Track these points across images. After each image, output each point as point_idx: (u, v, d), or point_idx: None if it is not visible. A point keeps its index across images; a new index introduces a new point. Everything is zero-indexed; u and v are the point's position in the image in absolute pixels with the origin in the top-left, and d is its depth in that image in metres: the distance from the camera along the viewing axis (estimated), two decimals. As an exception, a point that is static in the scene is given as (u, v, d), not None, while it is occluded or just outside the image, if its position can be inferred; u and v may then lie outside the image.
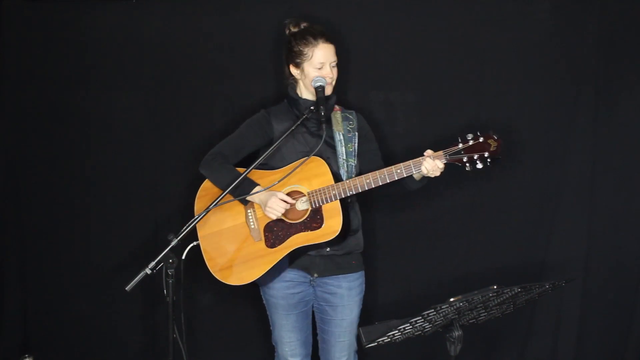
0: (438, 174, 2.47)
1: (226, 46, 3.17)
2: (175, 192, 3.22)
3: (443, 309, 2.09)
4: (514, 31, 3.08)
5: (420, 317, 2.10)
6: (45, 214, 3.29)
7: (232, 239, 2.65)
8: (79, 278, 3.30)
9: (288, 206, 2.53)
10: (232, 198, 2.56)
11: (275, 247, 2.58)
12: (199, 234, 2.67)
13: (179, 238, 2.38)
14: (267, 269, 2.60)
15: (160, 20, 3.17)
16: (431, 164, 2.44)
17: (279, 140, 2.53)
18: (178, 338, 2.46)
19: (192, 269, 2.64)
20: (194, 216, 2.62)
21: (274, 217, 2.54)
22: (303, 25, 2.64)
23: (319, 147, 2.50)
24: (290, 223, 2.57)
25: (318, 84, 2.55)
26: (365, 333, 2.29)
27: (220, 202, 2.49)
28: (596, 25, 3.02)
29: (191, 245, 2.61)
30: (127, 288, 2.35)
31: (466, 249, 3.19)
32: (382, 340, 2.22)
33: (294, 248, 2.57)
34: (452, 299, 2.07)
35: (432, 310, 2.07)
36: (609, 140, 3.08)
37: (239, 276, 2.63)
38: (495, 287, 2.08)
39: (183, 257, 2.53)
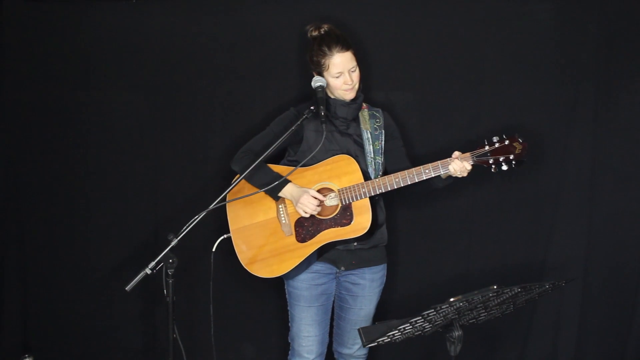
0: (465, 174, 2.55)
1: (227, 46, 3.17)
2: (175, 192, 3.22)
3: (443, 309, 2.09)
4: (514, 31, 3.08)
5: (420, 317, 2.10)
6: (45, 214, 3.29)
7: (263, 233, 2.72)
8: (79, 278, 3.30)
9: (319, 204, 2.60)
10: (255, 191, 2.65)
11: (306, 241, 2.66)
12: (231, 228, 2.75)
13: (179, 238, 2.38)
14: (298, 263, 2.67)
15: (160, 20, 3.17)
16: (459, 165, 2.51)
17: (280, 139, 2.57)
18: (178, 338, 2.46)
19: (189, 268, 2.64)
20: (194, 215, 2.63)
21: (306, 215, 2.62)
22: (323, 30, 2.66)
23: (318, 148, 2.54)
24: (321, 219, 2.64)
25: (318, 84, 2.60)
26: (365, 333, 2.28)
27: (217, 204, 2.50)
28: (596, 25, 3.02)
29: (222, 237, 2.72)
30: (127, 288, 2.35)
31: (466, 249, 3.20)
32: (382, 340, 2.22)
33: (324, 243, 2.64)
34: (452, 299, 2.07)
35: (432, 310, 2.07)
36: (609, 140, 3.08)
37: (270, 269, 2.70)
38: (495, 287, 2.08)
39: (214, 249, 2.67)
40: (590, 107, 3.07)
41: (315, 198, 2.59)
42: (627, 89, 3.05)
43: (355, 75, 2.64)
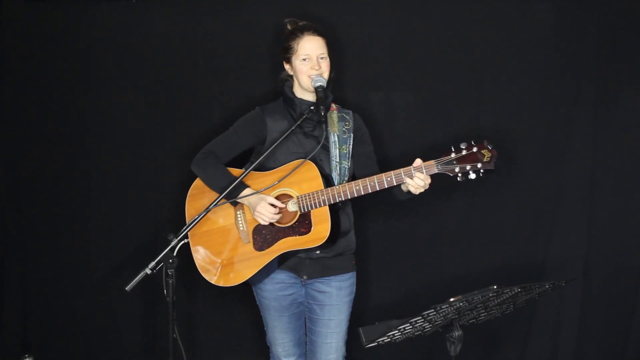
0: (422, 190, 2.42)
1: (226, 46, 3.17)
2: (175, 192, 3.20)
3: (443, 309, 2.09)
4: (514, 31, 3.08)
5: (420, 317, 2.10)
6: (45, 215, 3.29)
7: (221, 240, 2.63)
8: (79, 278, 3.31)
9: (277, 211, 2.50)
10: (223, 199, 2.53)
11: (264, 250, 2.56)
12: (189, 234, 2.62)
13: (179, 238, 2.38)
14: (255, 272, 2.58)
15: (160, 20, 3.17)
16: (417, 181, 2.37)
17: (276, 143, 2.49)
18: (178, 338, 2.45)
19: (188, 268, 2.64)
20: (185, 215, 2.62)
21: (264, 223, 2.53)
22: (301, 23, 2.61)
23: (318, 148, 2.47)
24: (279, 227, 2.54)
25: (318, 84, 2.51)
26: (365, 333, 2.29)
27: (219, 203, 2.47)
28: (596, 25, 3.02)
29: (181, 243, 2.52)
30: (127, 288, 2.35)
31: (466, 249, 3.19)
32: (382, 340, 2.22)
33: (282, 252, 2.55)
34: (452, 299, 2.07)
35: (432, 310, 2.07)
36: (609, 140, 3.08)
37: (226, 278, 2.61)
38: (495, 287, 2.08)
39: (174, 253, 2.48)
40: (590, 107, 3.07)
41: (273, 205, 2.49)
42: (627, 89, 3.05)
43: (324, 64, 2.54)
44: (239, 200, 2.55)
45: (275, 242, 2.55)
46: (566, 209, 3.13)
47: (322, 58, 2.55)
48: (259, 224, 2.55)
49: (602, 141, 3.08)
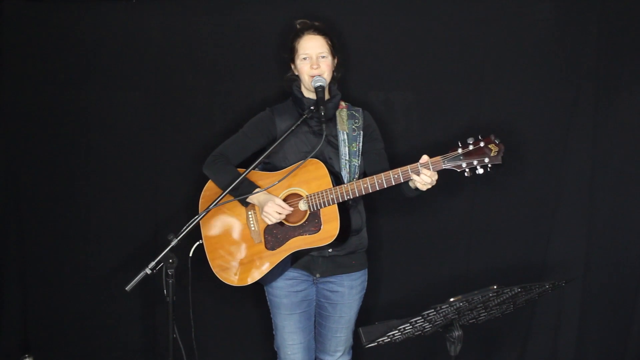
0: (429, 187, 2.42)
1: (226, 46, 3.17)
2: (175, 192, 3.22)
3: (443, 309, 2.09)
4: (514, 31, 3.08)
5: (420, 317, 2.10)
6: (45, 214, 3.29)
7: (233, 240, 2.66)
8: (79, 278, 3.30)
9: (284, 211, 2.51)
10: (231, 199, 2.57)
11: (275, 249, 2.59)
12: (203, 234, 2.69)
13: (179, 238, 2.38)
14: (267, 272, 2.60)
15: (160, 20, 3.17)
16: (424, 177, 2.38)
17: (277, 142, 2.52)
18: (178, 338, 2.45)
19: (197, 268, 2.65)
20: (194, 215, 2.63)
21: (270, 223, 2.55)
22: (308, 24, 2.64)
23: (318, 147, 2.49)
24: (289, 226, 2.57)
25: (318, 84, 2.54)
26: (365, 333, 2.29)
27: (220, 202, 2.48)
28: (596, 25, 3.02)
29: (197, 243, 2.64)
30: (127, 288, 2.35)
31: (466, 249, 3.19)
32: (382, 340, 2.22)
33: (293, 251, 2.57)
34: (452, 299, 2.07)
35: (432, 310, 2.07)
36: (609, 140, 3.08)
37: (240, 277, 2.65)
38: (495, 287, 2.08)
39: (190, 254, 2.57)
40: (590, 107, 3.07)
41: (281, 206, 2.50)
42: (627, 89, 3.05)
43: (324, 63, 2.57)
44: (249, 200, 2.58)
45: (286, 241, 2.57)
46: (566, 209, 3.13)
47: (322, 57, 2.57)
48: (270, 224, 2.58)
49: (602, 141, 3.08)
